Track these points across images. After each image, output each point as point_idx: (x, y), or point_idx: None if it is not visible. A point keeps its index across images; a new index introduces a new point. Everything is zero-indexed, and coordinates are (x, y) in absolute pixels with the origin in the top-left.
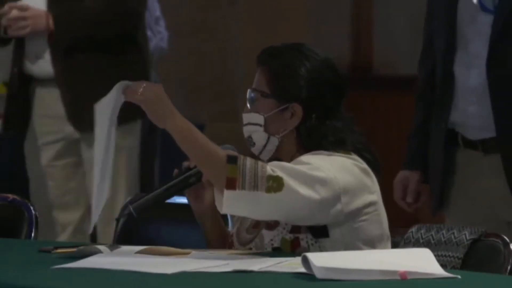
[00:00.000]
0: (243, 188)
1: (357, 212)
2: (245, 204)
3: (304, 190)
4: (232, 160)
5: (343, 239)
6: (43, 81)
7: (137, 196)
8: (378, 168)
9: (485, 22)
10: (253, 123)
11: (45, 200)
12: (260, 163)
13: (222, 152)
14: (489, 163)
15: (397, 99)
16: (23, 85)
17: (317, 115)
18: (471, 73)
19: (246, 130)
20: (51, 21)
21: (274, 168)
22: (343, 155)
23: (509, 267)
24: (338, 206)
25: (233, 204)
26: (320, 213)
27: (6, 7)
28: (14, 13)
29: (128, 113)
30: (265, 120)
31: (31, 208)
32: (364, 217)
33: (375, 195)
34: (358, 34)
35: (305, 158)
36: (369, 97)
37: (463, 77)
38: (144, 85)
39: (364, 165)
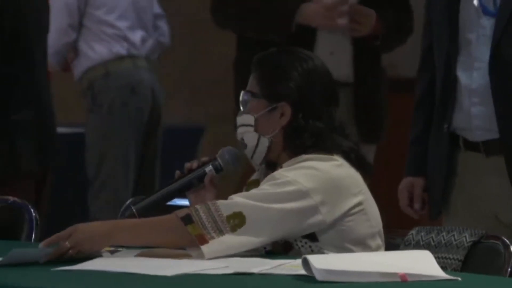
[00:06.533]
0: (212, 237)
1: (342, 217)
2: (224, 248)
3: (267, 208)
4: (187, 220)
5: (332, 242)
6: None
7: (139, 198)
8: (365, 168)
9: (487, 25)
10: (245, 124)
11: None
12: (212, 206)
13: (171, 218)
14: (491, 165)
15: (397, 100)
16: None
17: (303, 115)
18: (474, 75)
19: (239, 133)
20: (380, 24)
21: (233, 197)
22: (323, 156)
23: (509, 269)
24: (319, 217)
25: (215, 252)
26: (298, 223)
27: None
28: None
29: None
30: (256, 120)
31: (31, 210)
32: (350, 218)
33: (359, 196)
34: None
35: (279, 173)
36: None
37: (466, 79)
38: (67, 239)
39: (345, 166)
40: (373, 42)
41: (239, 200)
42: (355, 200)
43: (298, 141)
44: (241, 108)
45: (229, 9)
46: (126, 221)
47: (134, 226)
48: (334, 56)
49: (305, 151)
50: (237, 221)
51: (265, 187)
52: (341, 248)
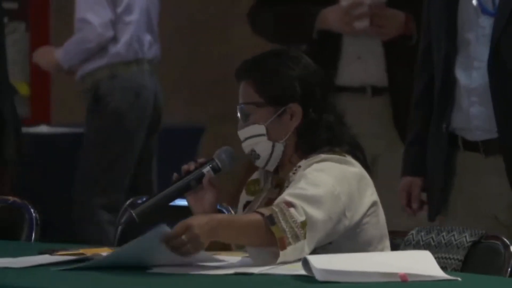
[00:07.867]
0: (289, 244)
1: (360, 220)
2: (295, 254)
3: (318, 214)
4: (271, 220)
5: (345, 245)
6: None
7: (138, 198)
8: (367, 166)
9: (486, 24)
10: (254, 135)
11: None
12: (286, 211)
13: (257, 217)
14: (490, 165)
15: None
16: None
17: (314, 110)
18: (473, 75)
19: (247, 145)
20: (412, 25)
21: (290, 200)
22: (339, 157)
23: (509, 269)
24: (346, 222)
25: (287, 258)
26: (332, 230)
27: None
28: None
29: None
30: (267, 128)
31: (31, 210)
32: (366, 220)
33: (373, 197)
34: None
35: (308, 172)
36: None
37: (465, 79)
38: (184, 237)
39: (359, 167)
40: (406, 43)
41: (302, 206)
42: (370, 202)
43: (314, 138)
44: (242, 121)
45: (262, 17)
46: (223, 218)
47: (229, 224)
48: (362, 60)
49: (318, 149)
50: (305, 228)
51: (305, 186)
52: (350, 251)
